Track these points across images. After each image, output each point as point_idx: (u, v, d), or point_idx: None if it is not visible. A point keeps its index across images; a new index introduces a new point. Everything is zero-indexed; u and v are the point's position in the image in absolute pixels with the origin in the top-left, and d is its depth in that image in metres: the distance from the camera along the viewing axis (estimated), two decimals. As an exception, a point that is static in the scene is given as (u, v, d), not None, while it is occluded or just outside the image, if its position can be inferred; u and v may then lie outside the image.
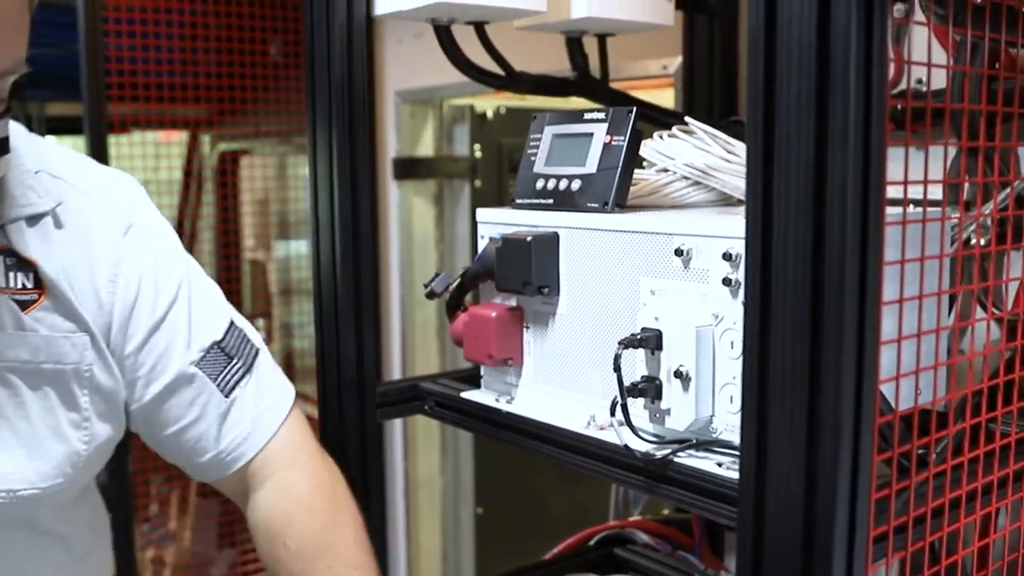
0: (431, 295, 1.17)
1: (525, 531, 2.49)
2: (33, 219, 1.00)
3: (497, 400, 1.15)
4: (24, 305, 0.99)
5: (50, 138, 1.11)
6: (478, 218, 1.17)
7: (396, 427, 2.64)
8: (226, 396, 1.09)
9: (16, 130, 1.02)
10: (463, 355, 1.16)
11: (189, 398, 1.08)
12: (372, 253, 1.21)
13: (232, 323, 1.13)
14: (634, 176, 1.09)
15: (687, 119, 1.12)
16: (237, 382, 1.10)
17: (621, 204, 1.04)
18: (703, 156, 1.09)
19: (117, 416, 1.07)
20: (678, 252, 0.92)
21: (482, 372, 1.20)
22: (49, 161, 1.05)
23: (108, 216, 1.06)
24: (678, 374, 0.90)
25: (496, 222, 1.13)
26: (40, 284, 1.00)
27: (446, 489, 2.70)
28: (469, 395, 1.19)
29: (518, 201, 1.13)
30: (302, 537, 1.09)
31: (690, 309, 0.91)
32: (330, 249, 1.18)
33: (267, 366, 1.14)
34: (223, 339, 1.11)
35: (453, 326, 1.18)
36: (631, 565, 1.49)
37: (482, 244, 1.15)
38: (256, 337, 1.15)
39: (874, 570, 0.78)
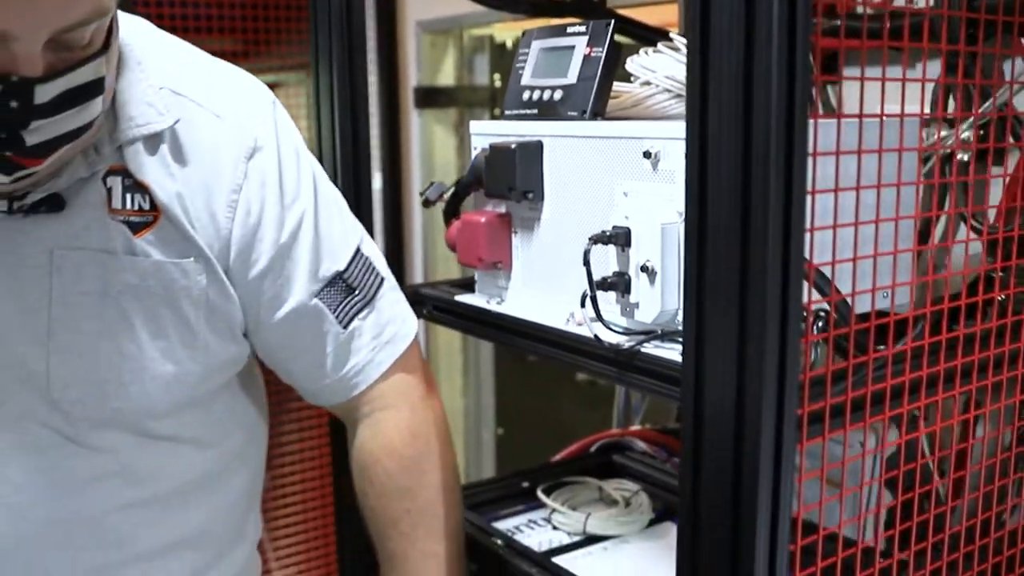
0: (426, 203, 1.24)
1: (543, 451, 2.58)
2: (150, 139, 0.97)
3: (488, 302, 1.23)
4: (136, 228, 0.97)
5: (181, 44, 1.05)
6: (471, 130, 1.23)
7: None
8: (343, 328, 1.08)
9: (150, 40, 1.00)
10: (456, 260, 1.23)
11: (306, 328, 1.07)
12: (369, 178, 1.27)
13: (358, 252, 1.10)
14: (619, 89, 1.14)
15: (672, 35, 1.17)
16: (356, 314, 1.08)
17: (600, 112, 1.09)
18: (684, 70, 1.14)
19: (234, 338, 1.05)
20: (647, 155, 0.98)
21: (476, 277, 1.26)
22: (176, 74, 1.00)
23: (232, 136, 1.00)
24: (644, 268, 0.96)
25: (487, 133, 1.19)
26: (154, 208, 0.97)
27: (468, 411, 2.79)
28: (463, 298, 1.26)
29: (507, 112, 1.19)
30: (385, 478, 1.15)
31: (657, 208, 0.97)
32: (332, 171, 1.24)
33: (390, 298, 1.12)
34: (346, 270, 1.08)
35: (448, 232, 1.24)
36: (627, 470, 1.57)
37: (474, 155, 1.21)
38: (382, 265, 1.13)
39: (814, 443, 0.85)
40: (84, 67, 0.84)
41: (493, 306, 1.21)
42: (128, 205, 0.96)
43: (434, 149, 2.60)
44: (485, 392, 2.79)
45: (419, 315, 1.33)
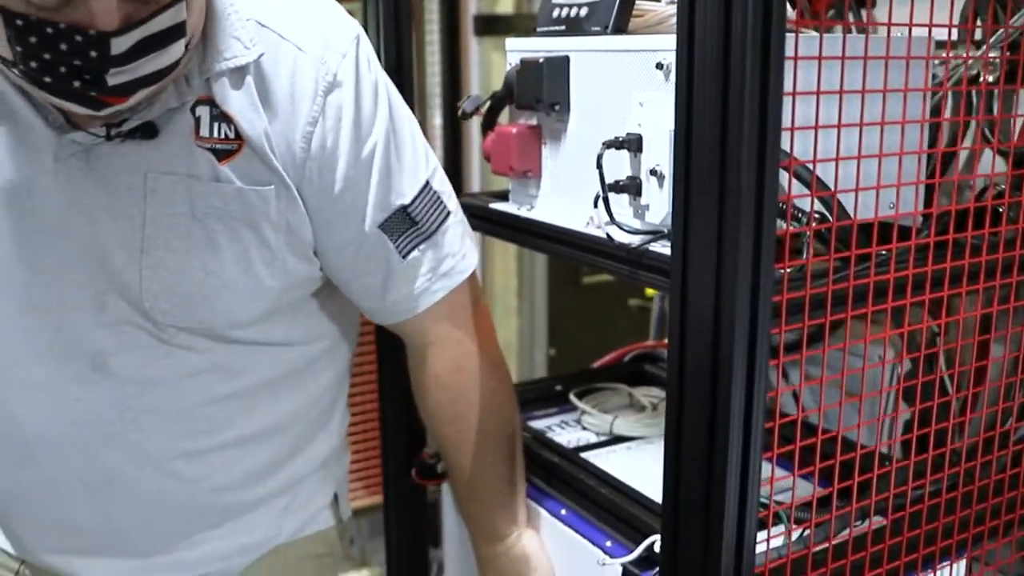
0: (463, 115, 1.32)
1: (593, 371, 2.68)
2: (236, 72, 1.02)
3: (519, 209, 1.31)
4: (221, 156, 1.03)
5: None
6: (507, 47, 1.30)
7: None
8: (402, 258, 1.13)
9: None
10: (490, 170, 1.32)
11: (367, 254, 1.13)
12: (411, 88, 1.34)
13: (427, 185, 1.14)
14: (645, 8, 1.21)
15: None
16: (416, 246, 1.14)
17: (622, 28, 1.16)
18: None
19: (309, 260, 1.12)
20: (659, 66, 1.05)
21: (510, 186, 1.35)
22: (263, 5, 1.05)
23: (312, 70, 1.05)
24: (654, 172, 1.04)
25: (519, 49, 1.27)
26: (239, 137, 1.03)
27: (521, 332, 2.89)
28: (497, 206, 1.35)
29: (539, 29, 1.26)
30: (434, 405, 1.25)
31: (667, 116, 1.03)
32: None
33: (454, 231, 1.18)
34: (411, 204, 1.12)
35: (484, 144, 1.33)
36: (658, 379, 1.65)
37: (507, 70, 1.29)
38: (451, 200, 1.18)
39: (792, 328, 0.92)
40: (161, 16, 0.89)
41: (523, 212, 1.30)
42: (214, 134, 1.03)
43: (492, 75, 2.67)
44: (539, 314, 2.89)
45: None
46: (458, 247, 1.19)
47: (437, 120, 2.53)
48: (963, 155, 1.20)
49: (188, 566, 1.20)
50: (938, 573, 1.15)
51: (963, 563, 1.18)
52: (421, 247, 1.14)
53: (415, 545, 1.57)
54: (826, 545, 1.02)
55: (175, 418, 1.11)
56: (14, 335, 1.06)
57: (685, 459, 0.89)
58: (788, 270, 0.91)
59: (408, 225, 1.13)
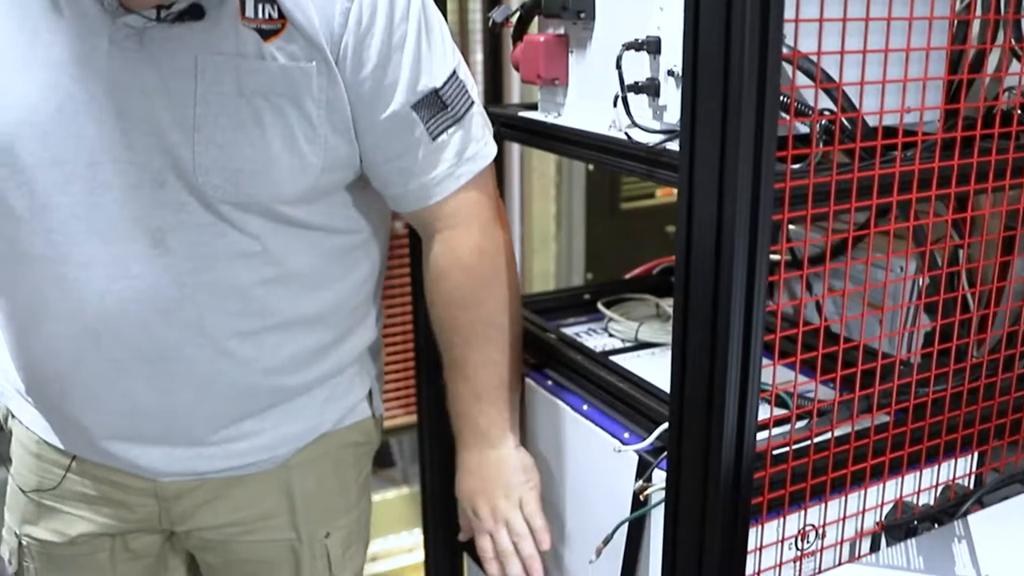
0: (492, 25, 1.36)
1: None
2: None
3: (546, 116, 1.35)
4: (266, 35, 1.08)
5: None
6: (536, -41, 1.33)
7: (514, 195, 2.87)
8: (432, 139, 1.18)
9: None
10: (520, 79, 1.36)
11: (399, 134, 1.17)
12: None
13: (454, 74, 1.19)
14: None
15: None
16: (445, 129, 1.18)
17: (646, -64, 1.18)
18: None
19: (349, 138, 1.16)
20: (679, -29, 1.08)
21: (539, 95, 1.39)
22: None
23: None
24: (671, 73, 1.07)
25: (549, -41, 1.30)
26: (282, 16, 1.08)
27: (560, 257, 2.94)
28: (526, 114, 1.39)
29: (566, -60, 1.29)
30: (453, 290, 1.29)
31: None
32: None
33: (477, 121, 1.23)
34: (442, 87, 1.17)
35: (513, 53, 1.37)
36: (684, 291, 1.70)
37: (538, -20, 1.32)
38: (474, 91, 1.22)
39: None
40: None
41: (550, 119, 1.34)
42: (259, 14, 1.08)
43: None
44: (576, 241, 2.93)
45: (488, 132, 1.48)
46: (481, 134, 1.24)
47: (479, 56, 2.55)
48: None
49: (238, 455, 1.28)
50: (945, 467, 1.19)
51: (972, 458, 1.21)
52: (449, 130, 1.19)
53: (450, 459, 1.63)
54: (828, 433, 1.06)
55: (229, 297, 1.17)
56: (79, 217, 1.12)
57: (691, 339, 0.94)
58: (794, 163, 0.95)
59: (438, 108, 1.17)
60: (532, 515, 1.34)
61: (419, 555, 3.18)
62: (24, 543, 1.38)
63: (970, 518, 0.97)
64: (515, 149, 2.86)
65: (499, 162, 1.75)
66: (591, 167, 2.90)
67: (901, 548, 0.91)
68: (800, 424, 1.07)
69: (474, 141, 1.23)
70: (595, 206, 2.97)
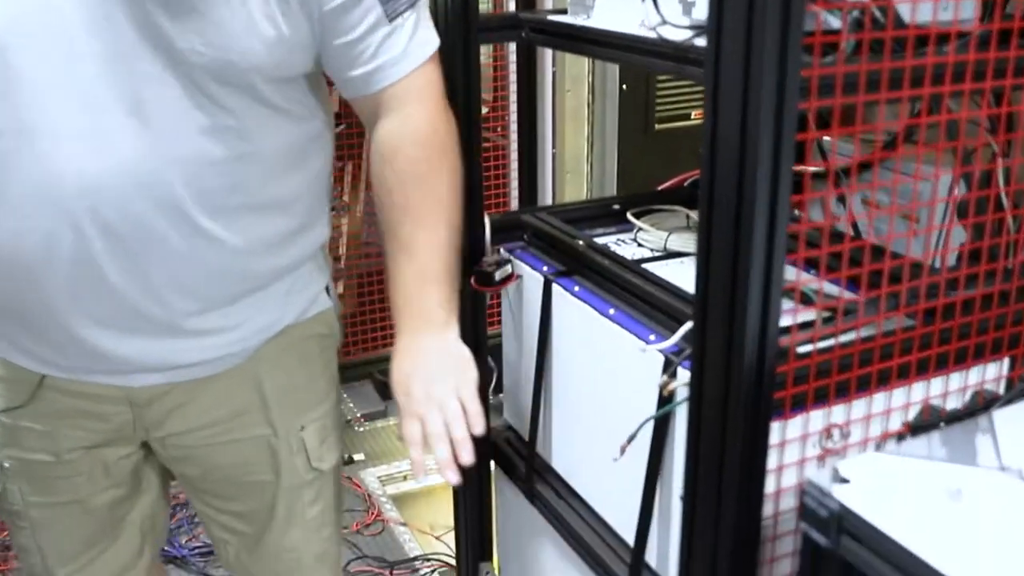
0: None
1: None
2: None
3: (576, 19, 1.34)
4: None
5: None
6: None
7: (547, 117, 2.85)
8: (389, 21, 1.24)
9: None
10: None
11: (359, 16, 1.22)
12: None
13: None
14: None
15: None
16: (401, 13, 1.25)
17: None
18: None
19: (311, 10, 1.20)
20: None
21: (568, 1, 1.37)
22: None
23: None
24: (701, -34, 1.05)
25: None
26: None
27: (592, 176, 2.93)
28: (556, 18, 1.38)
29: None
30: (406, 164, 1.33)
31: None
32: None
33: (425, 11, 1.30)
34: None
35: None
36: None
37: None
38: None
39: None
40: None
41: (580, 21, 1.32)
42: None
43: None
44: (609, 162, 2.91)
45: (516, 38, 1.47)
46: (429, 21, 1.31)
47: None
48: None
49: (211, 348, 1.32)
50: (975, 371, 1.18)
51: (1003, 363, 1.20)
52: (405, 14, 1.25)
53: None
54: (853, 332, 1.06)
55: (204, 170, 1.20)
56: (57, 87, 1.13)
57: (716, 227, 0.93)
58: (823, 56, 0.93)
59: None
60: (468, 399, 1.33)
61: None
62: (6, 465, 1.42)
63: (995, 413, 0.97)
64: (548, 73, 2.84)
65: (530, 80, 1.75)
66: (624, 87, 2.87)
67: (923, 440, 0.91)
68: (826, 322, 1.07)
69: (424, 26, 1.29)
70: (628, 128, 2.94)
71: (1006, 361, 1.21)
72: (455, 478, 1.29)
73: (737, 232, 0.92)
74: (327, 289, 1.46)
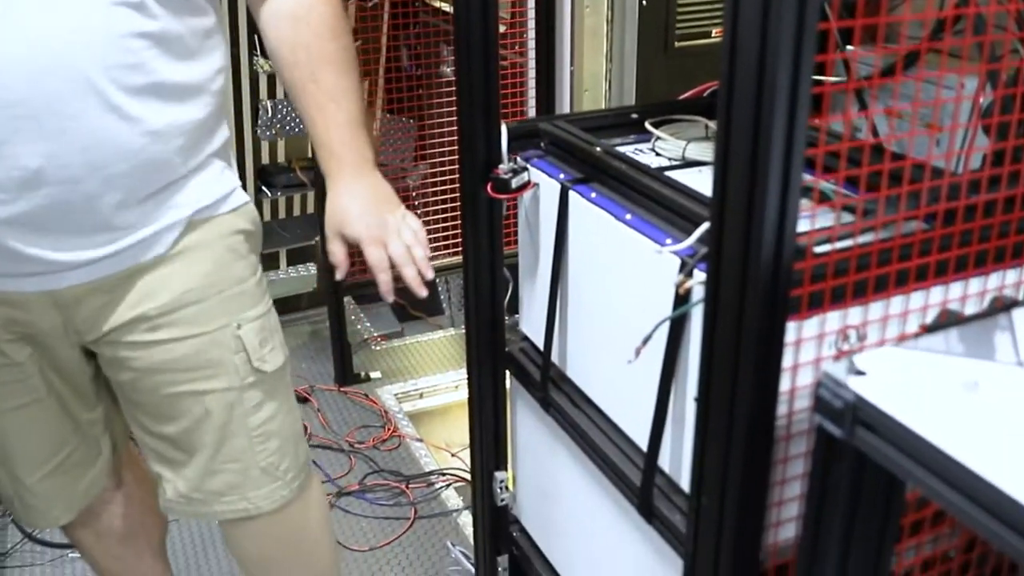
0: None
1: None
2: None
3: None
4: None
5: None
6: None
7: (565, 33, 2.81)
8: None
9: None
10: None
11: None
12: None
13: None
14: None
15: None
16: None
17: None
18: None
19: None
20: None
21: None
22: None
23: None
24: None
25: None
26: None
27: (611, 96, 2.89)
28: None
29: None
30: (320, 19, 1.41)
31: None
32: None
33: None
34: None
35: None
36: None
37: None
38: None
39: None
40: None
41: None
42: None
43: None
44: (628, 79, 2.87)
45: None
46: None
47: None
48: None
49: (134, 242, 1.34)
50: (995, 276, 1.17)
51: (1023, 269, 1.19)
52: None
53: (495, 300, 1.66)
54: (872, 234, 1.04)
55: (111, 46, 1.23)
56: None
57: (735, 114, 0.92)
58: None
59: None
60: (416, 228, 1.45)
61: (465, 392, 3.27)
62: None
63: (1014, 312, 0.96)
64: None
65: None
66: (644, 4, 2.82)
67: (941, 335, 0.90)
68: (845, 222, 1.05)
69: None
70: (648, 45, 2.89)
71: (1025, 269, 1.20)
72: (424, 291, 1.45)
73: (757, 123, 0.90)
74: (242, 188, 1.49)
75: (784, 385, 1.04)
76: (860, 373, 0.83)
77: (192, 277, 1.40)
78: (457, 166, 2.96)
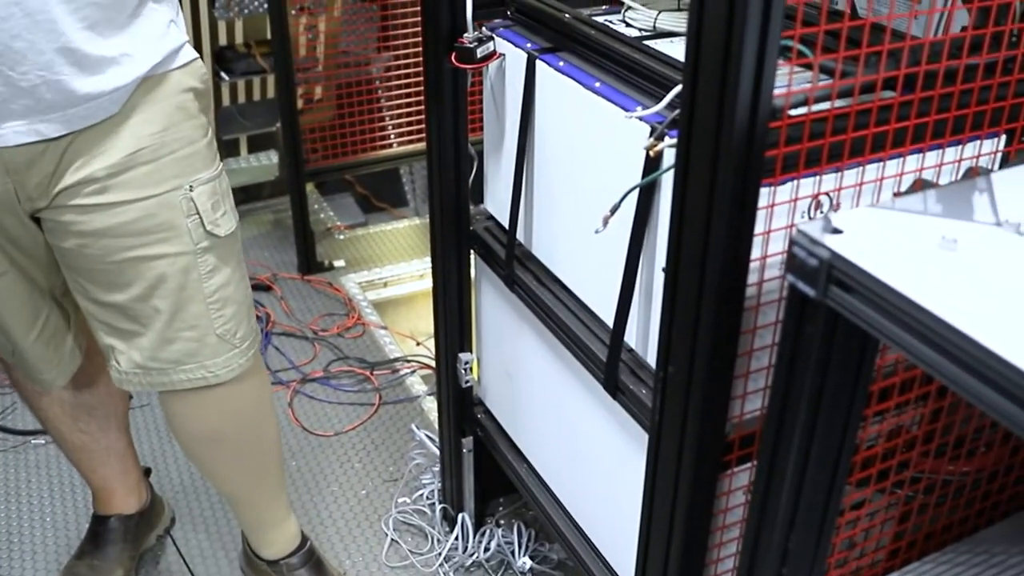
0: None
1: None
2: None
3: None
4: None
5: None
6: None
7: None
8: None
9: None
10: None
11: None
12: None
13: None
14: None
15: None
16: None
17: None
18: None
19: None
20: None
21: None
22: None
23: None
24: None
25: None
26: None
27: None
28: None
29: None
30: None
31: None
32: None
33: None
34: None
35: None
36: None
37: None
38: None
39: None
40: None
41: None
42: None
43: None
44: None
45: None
46: None
47: None
48: None
49: (80, 94, 1.28)
50: (970, 146, 1.14)
51: (1000, 139, 1.16)
52: None
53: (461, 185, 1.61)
54: (849, 99, 1.01)
55: None
56: None
57: None
58: None
59: None
60: None
61: (430, 281, 3.25)
62: None
63: (993, 175, 0.93)
64: None
65: None
66: None
67: (919, 196, 0.88)
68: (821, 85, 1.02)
69: None
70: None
71: (1003, 137, 1.17)
72: None
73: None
74: (189, 46, 1.43)
75: (754, 252, 1.01)
76: (837, 231, 0.80)
77: (142, 138, 1.35)
78: (421, 55, 2.88)
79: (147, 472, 2.02)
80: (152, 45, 1.34)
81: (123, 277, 1.41)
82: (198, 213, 1.41)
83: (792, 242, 0.81)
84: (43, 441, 2.29)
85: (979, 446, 1.24)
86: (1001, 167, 1.18)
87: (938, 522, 1.26)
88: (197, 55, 1.44)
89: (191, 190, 1.40)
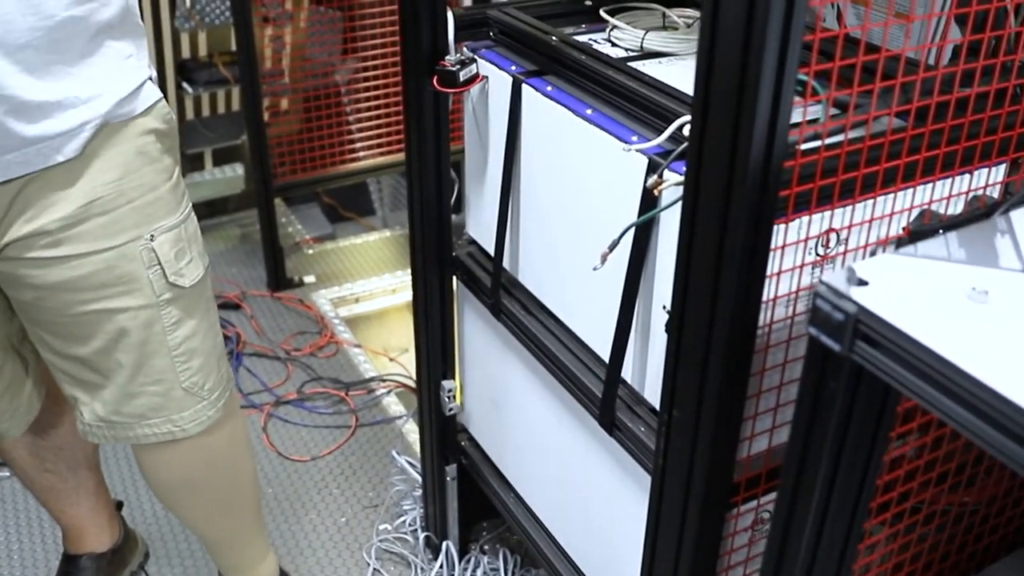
0: None
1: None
2: None
3: None
4: None
5: None
6: None
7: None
8: None
9: None
10: None
11: None
12: None
13: None
14: None
15: None
16: None
17: None
18: None
19: None
20: None
21: None
22: None
23: None
24: None
25: None
26: None
27: None
28: None
29: None
30: None
31: None
32: None
33: None
34: None
35: None
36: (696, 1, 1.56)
37: None
38: None
39: None
40: None
41: None
42: None
43: None
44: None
45: None
46: None
47: None
48: None
49: (34, 137, 1.21)
50: (977, 175, 1.11)
51: (1003, 167, 1.13)
52: None
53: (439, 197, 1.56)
54: (862, 130, 0.97)
55: None
56: None
57: (723, 13, 0.83)
58: None
59: None
60: None
61: (402, 296, 3.20)
62: None
63: (1012, 214, 0.90)
64: None
65: None
66: None
67: (940, 240, 0.84)
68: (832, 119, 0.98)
69: None
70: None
71: (1007, 165, 1.14)
72: None
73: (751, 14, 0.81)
74: (152, 80, 1.35)
75: (764, 294, 0.97)
76: (863, 283, 0.76)
77: (97, 187, 1.27)
78: (388, 60, 2.84)
79: (119, 506, 1.95)
80: (108, 85, 1.26)
81: (83, 330, 1.34)
82: (159, 264, 1.33)
83: (816, 295, 0.77)
84: (7, 474, 2.21)
85: (979, 472, 1.21)
86: (1004, 196, 1.14)
87: (948, 559, 1.23)
88: (160, 95, 1.36)
89: (152, 239, 1.32)
